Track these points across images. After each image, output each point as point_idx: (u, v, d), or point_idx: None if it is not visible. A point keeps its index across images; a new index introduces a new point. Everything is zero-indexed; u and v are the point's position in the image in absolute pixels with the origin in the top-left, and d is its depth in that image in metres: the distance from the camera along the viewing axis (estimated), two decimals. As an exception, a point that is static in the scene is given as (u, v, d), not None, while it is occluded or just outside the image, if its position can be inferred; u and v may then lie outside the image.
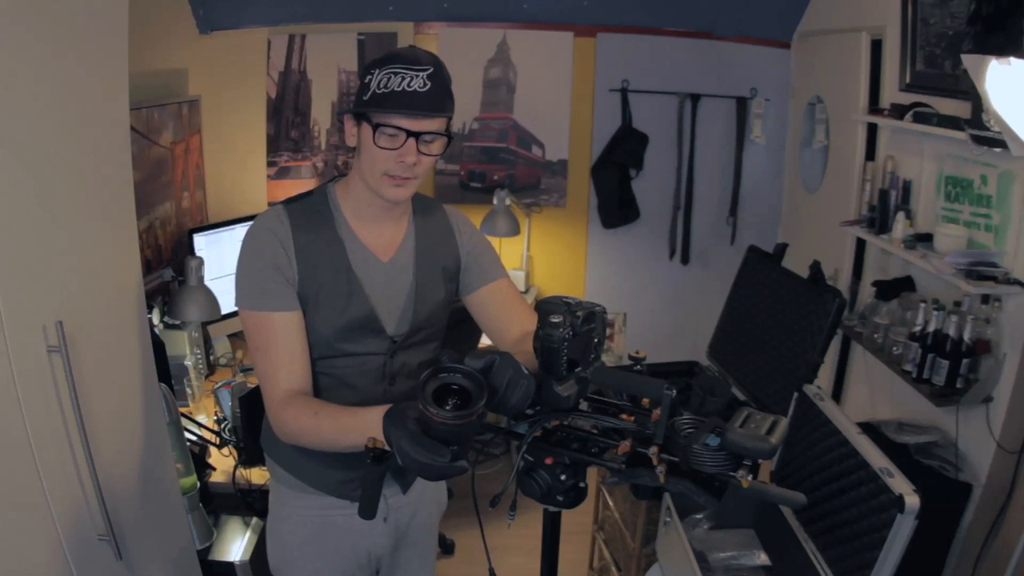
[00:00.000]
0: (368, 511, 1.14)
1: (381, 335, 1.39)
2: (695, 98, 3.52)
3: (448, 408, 0.99)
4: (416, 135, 1.25)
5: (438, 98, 1.25)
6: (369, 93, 1.24)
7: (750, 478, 0.95)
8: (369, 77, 1.25)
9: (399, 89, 1.22)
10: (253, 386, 2.20)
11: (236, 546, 2.01)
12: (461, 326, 1.80)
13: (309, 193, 1.40)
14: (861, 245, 2.90)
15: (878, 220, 2.55)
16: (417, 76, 1.23)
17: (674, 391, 1.00)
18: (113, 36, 1.48)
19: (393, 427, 1.06)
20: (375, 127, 1.24)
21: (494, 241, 3.54)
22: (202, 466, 2.09)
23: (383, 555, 1.54)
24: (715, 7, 3.38)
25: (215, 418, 2.33)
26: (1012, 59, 1.74)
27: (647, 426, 1.05)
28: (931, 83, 2.46)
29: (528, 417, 1.11)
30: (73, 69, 1.36)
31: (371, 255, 1.38)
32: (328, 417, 1.24)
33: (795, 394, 2.02)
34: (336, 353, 1.36)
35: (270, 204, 3.35)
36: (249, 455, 2.13)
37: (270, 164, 3.42)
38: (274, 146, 3.41)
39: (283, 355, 1.30)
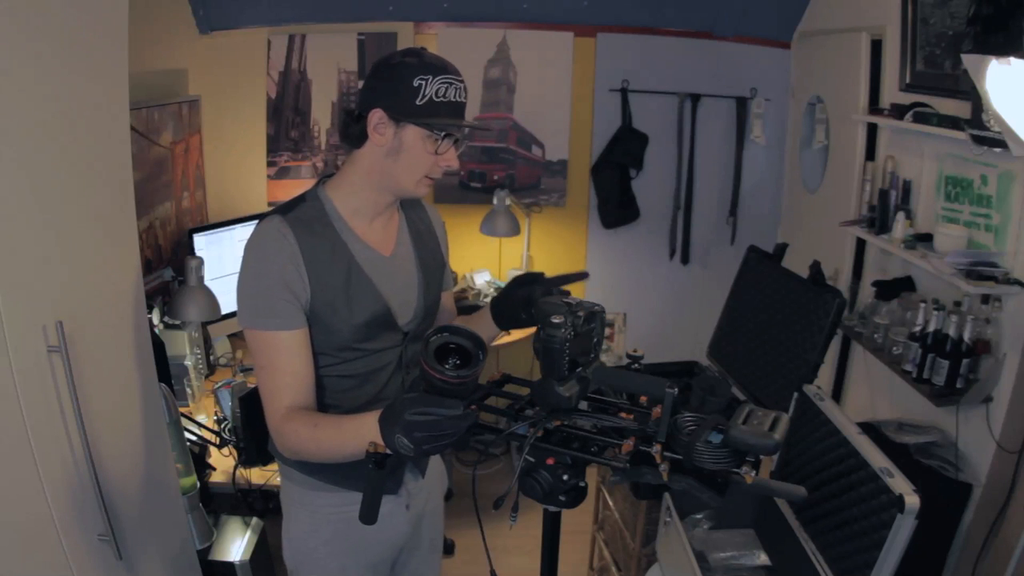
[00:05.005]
0: (370, 516, 1.15)
1: (394, 329, 1.41)
2: (695, 98, 3.52)
3: (448, 367, 1.09)
4: (457, 140, 1.34)
5: None
6: (424, 99, 1.26)
7: (753, 474, 0.95)
8: (420, 82, 1.26)
9: (455, 100, 1.30)
10: (253, 386, 2.20)
11: (236, 546, 2.01)
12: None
13: (301, 199, 1.37)
14: (861, 245, 2.90)
15: (878, 220, 2.55)
16: (461, 87, 1.31)
17: (676, 389, 1.00)
18: (113, 37, 1.48)
19: (390, 418, 1.09)
20: (443, 136, 1.29)
21: (494, 241, 3.56)
22: (202, 466, 2.09)
23: (405, 544, 1.56)
24: (715, 7, 3.38)
25: (215, 418, 2.32)
26: (1012, 59, 1.74)
27: (648, 424, 1.05)
28: (931, 83, 2.46)
29: (528, 418, 1.11)
30: (73, 69, 1.36)
31: (374, 252, 1.39)
32: (328, 428, 1.24)
33: (795, 394, 2.02)
34: (356, 354, 1.37)
35: (270, 204, 3.38)
36: (249, 455, 2.13)
37: (270, 164, 3.41)
38: (274, 146, 3.41)
39: (287, 373, 1.30)
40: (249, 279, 1.30)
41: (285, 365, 1.30)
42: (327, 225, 1.35)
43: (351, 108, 1.35)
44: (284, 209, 1.35)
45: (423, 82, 1.26)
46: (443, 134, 1.29)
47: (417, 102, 1.26)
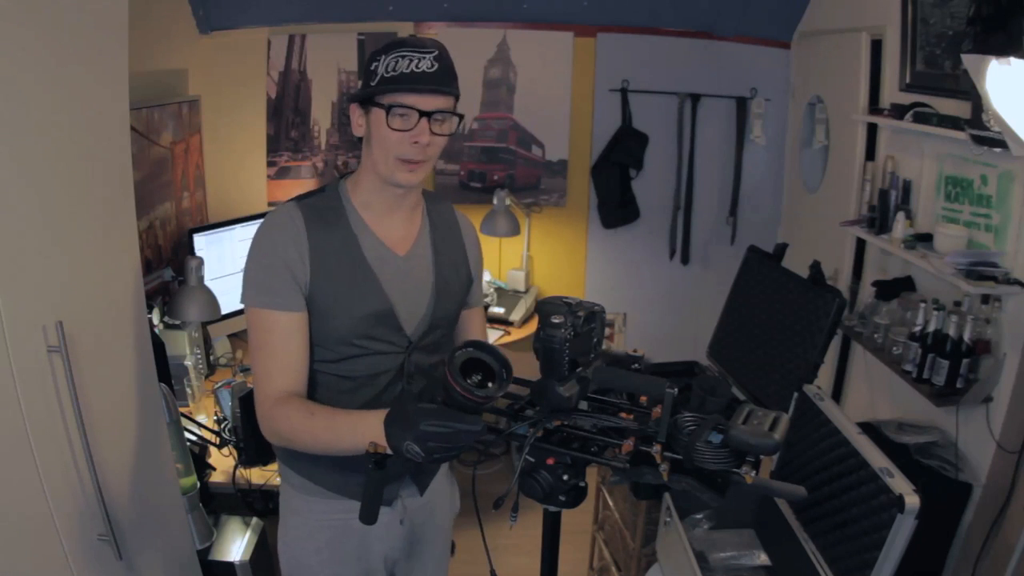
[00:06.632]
0: (369, 516, 1.14)
1: (399, 332, 1.38)
2: (695, 98, 3.52)
3: (472, 383, 1.07)
4: (428, 114, 1.26)
5: (445, 77, 1.27)
6: (377, 78, 1.26)
7: (753, 474, 0.95)
8: (375, 64, 1.26)
9: (408, 71, 1.24)
10: (253, 386, 2.19)
11: (236, 546, 2.01)
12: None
13: (321, 190, 1.39)
14: (861, 245, 2.90)
15: (878, 220, 2.55)
16: (424, 58, 1.25)
17: (676, 389, 1.00)
18: (113, 36, 1.48)
19: (401, 423, 1.08)
20: (388, 109, 1.25)
21: (494, 241, 3.56)
22: (202, 466, 2.09)
23: (399, 559, 1.53)
24: (715, 7, 3.38)
25: (215, 418, 2.32)
26: (1012, 59, 1.74)
27: (648, 424, 1.05)
28: (931, 83, 2.46)
29: (529, 418, 1.11)
30: (73, 69, 1.36)
31: (387, 250, 1.37)
32: (323, 419, 1.23)
33: (795, 394, 2.02)
34: (354, 351, 1.35)
35: (270, 204, 3.38)
36: (249, 455, 2.13)
37: (270, 164, 3.41)
38: (274, 146, 3.41)
39: (282, 356, 1.30)
40: (253, 257, 1.32)
41: (279, 347, 1.29)
42: (340, 216, 1.35)
43: None
44: (301, 196, 1.37)
45: (377, 62, 1.26)
46: (389, 106, 1.25)
47: (372, 83, 1.26)
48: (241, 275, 1.33)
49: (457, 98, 1.32)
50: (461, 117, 1.34)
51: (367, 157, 1.34)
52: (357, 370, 1.37)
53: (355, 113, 1.32)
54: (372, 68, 1.27)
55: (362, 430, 1.14)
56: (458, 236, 1.51)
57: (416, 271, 1.41)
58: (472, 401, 1.05)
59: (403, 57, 1.24)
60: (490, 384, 1.08)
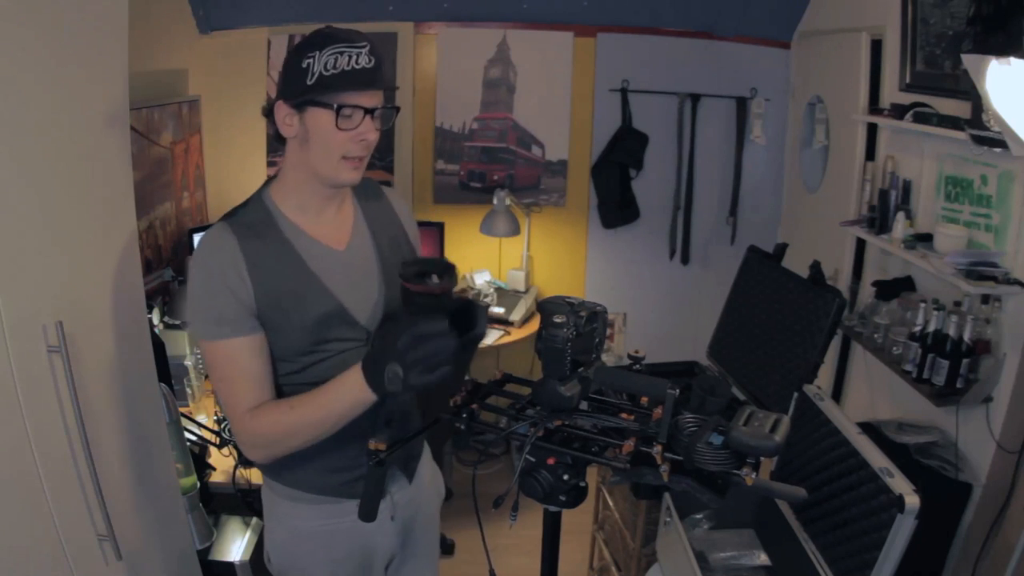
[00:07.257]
0: (369, 514, 1.15)
1: (355, 326, 1.35)
2: (695, 98, 3.52)
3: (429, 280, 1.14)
4: (371, 111, 1.25)
5: (383, 71, 1.25)
6: (314, 76, 1.21)
7: (753, 476, 0.95)
8: (308, 61, 1.21)
9: (348, 68, 1.21)
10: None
11: (236, 546, 2.01)
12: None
13: (245, 203, 1.35)
14: (861, 245, 2.90)
15: (878, 220, 2.55)
16: (360, 52, 1.22)
17: (677, 390, 1.00)
18: (113, 36, 1.48)
19: (376, 353, 1.13)
20: (337, 109, 1.22)
21: (494, 241, 3.56)
22: (202, 466, 2.09)
23: (395, 552, 1.52)
24: (715, 7, 3.38)
25: (215, 418, 2.32)
26: (1012, 59, 1.75)
27: (649, 425, 1.05)
28: (931, 83, 2.46)
29: (529, 417, 1.12)
30: (73, 69, 1.36)
31: (325, 248, 1.34)
32: (306, 405, 1.23)
33: (795, 394, 2.02)
34: (315, 357, 1.32)
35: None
36: (249, 455, 2.13)
37: (270, 164, 3.41)
38: (274, 146, 3.40)
39: (246, 379, 1.27)
40: (194, 289, 1.27)
41: (243, 371, 1.26)
42: (271, 226, 1.31)
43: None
44: (229, 215, 1.32)
45: (311, 60, 1.20)
46: (338, 106, 1.22)
47: (308, 82, 1.21)
48: None
49: (395, 89, 1.31)
50: (398, 110, 1.32)
51: (299, 158, 1.29)
52: (323, 374, 1.31)
53: (282, 112, 1.26)
54: (304, 66, 1.21)
55: (347, 388, 1.17)
56: (391, 212, 1.47)
57: (359, 262, 1.38)
58: (432, 295, 1.13)
59: (341, 53, 1.20)
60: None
